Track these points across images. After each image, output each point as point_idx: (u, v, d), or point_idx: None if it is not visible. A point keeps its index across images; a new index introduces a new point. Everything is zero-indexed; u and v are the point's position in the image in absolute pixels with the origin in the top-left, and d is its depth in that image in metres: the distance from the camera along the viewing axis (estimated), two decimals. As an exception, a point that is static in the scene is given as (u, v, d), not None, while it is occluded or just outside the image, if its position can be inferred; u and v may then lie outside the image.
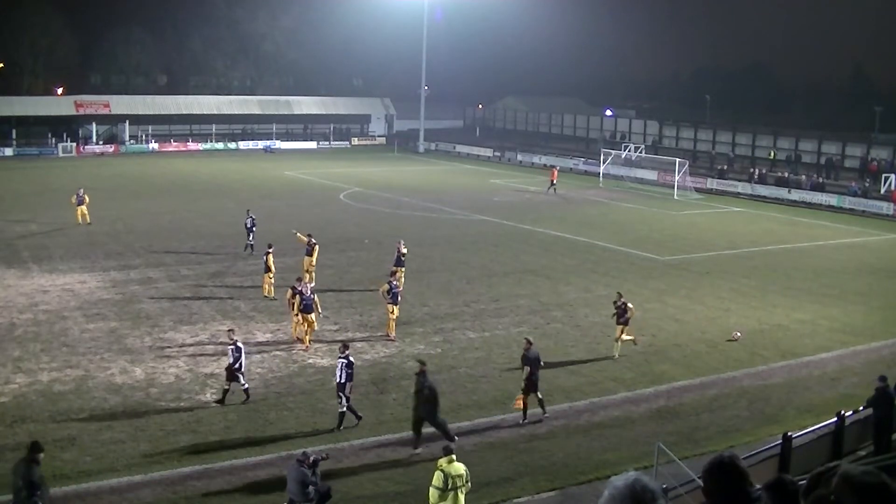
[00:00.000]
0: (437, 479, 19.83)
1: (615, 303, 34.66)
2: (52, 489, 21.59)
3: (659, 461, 21.46)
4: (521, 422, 27.22)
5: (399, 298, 35.79)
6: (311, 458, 20.59)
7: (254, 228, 49.11)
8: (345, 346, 27.53)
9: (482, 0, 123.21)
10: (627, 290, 43.65)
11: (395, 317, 35.44)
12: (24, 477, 18.64)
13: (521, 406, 27.33)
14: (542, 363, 28.06)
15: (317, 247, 43.66)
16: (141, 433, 25.49)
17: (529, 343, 28.19)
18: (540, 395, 27.70)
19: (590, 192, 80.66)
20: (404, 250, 42.39)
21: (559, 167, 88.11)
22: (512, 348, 34.07)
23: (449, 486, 19.75)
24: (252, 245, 49.03)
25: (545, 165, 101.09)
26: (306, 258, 43.38)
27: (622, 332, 33.84)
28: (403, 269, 41.77)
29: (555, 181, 79.88)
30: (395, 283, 35.84)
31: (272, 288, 40.30)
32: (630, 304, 34.20)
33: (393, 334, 35.18)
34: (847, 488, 3.87)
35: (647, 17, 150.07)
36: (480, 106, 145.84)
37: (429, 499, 19.98)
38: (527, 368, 27.37)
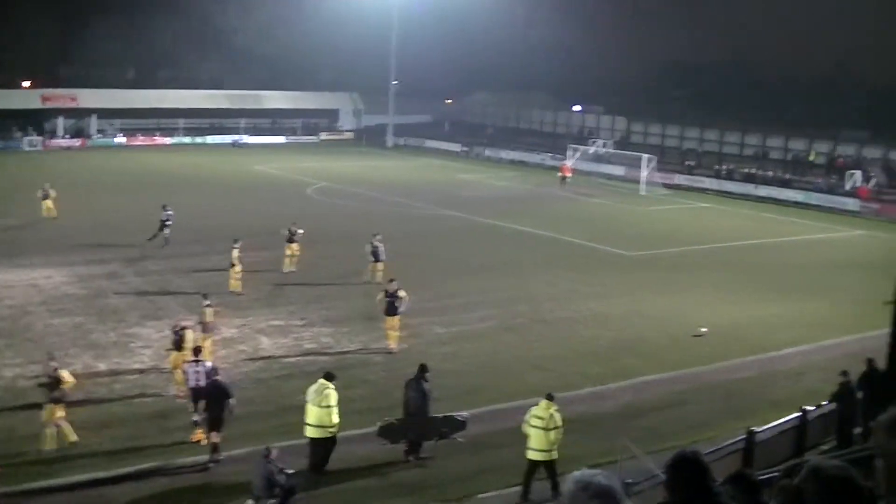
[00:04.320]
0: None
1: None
2: (17, 485, 21.54)
3: (624, 456, 21.53)
4: (207, 464, 23.43)
5: (398, 310, 33.23)
6: (275, 453, 20.57)
7: (168, 223, 49.26)
8: None
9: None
10: (596, 283, 43.96)
11: (394, 331, 33.30)
12: (419, 389, 24.30)
13: (206, 441, 23.88)
14: (231, 395, 23.83)
15: (300, 233, 44.62)
16: (105, 429, 25.35)
17: (215, 372, 24.69)
18: (218, 439, 23.56)
19: (557, 187, 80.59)
20: (377, 244, 42.70)
21: (571, 163, 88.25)
22: (480, 342, 34.19)
23: (529, 422, 22.21)
24: (167, 238, 49.06)
25: (512, 161, 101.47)
26: (292, 245, 44.49)
27: (54, 412, 24.16)
28: (381, 264, 42.13)
29: (567, 176, 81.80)
30: (393, 292, 33.34)
31: (239, 283, 40.14)
32: (65, 373, 24.86)
33: (392, 345, 33.24)
34: (813, 479, 3.90)
35: (615, 12, 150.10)
36: (450, 101, 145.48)
37: None
38: (202, 402, 23.67)
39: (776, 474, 5.05)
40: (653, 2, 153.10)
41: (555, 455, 22.00)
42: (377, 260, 42.50)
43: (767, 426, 23.07)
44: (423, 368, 24.83)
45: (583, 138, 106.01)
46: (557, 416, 22.15)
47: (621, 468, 20.55)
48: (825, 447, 24.08)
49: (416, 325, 35.98)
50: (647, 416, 28.20)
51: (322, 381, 23.53)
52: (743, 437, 21.80)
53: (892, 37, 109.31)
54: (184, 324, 29.18)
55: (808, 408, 24.32)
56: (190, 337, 28.28)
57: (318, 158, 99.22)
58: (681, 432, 26.43)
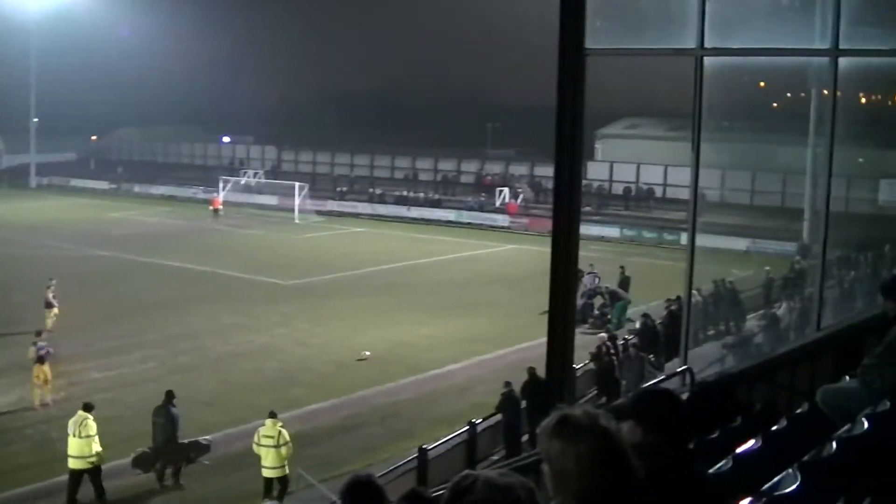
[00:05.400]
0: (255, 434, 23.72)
1: None
2: None
3: (299, 486, 21.36)
4: None
5: (45, 359, 31.27)
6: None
7: None
8: None
9: (91, 28, 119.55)
10: (256, 315, 43.61)
11: (47, 381, 31.34)
12: (167, 415, 25.03)
13: None
14: None
15: None
16: None
17: None
18: None
19: (210, 220, 79.65)
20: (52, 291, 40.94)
21: (222, 196, 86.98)
22: (141, 386, 33.09)
23: (259, 442, 23.36)
24: None
25: (163, 196, 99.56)
26: None
27: None
28: (55, 311, 40.33)
29: (218, 209, 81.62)
30: (41, 344, 31.57)
31: None
32: None
33: (47, 398, 31.25)
34: (492, 491, 3.88)
35: (264, 42, 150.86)
36: (95, 137, 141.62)
37: None
38: None
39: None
40: (301, 30, 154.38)
41: (287, 470, 23.16)
42: (49, 307, 40.56)
43: (438, 442, 23.42)
44: (169, 395, 25.70)
45: (234, 169, 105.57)
46: (285, 433, 23.38)
47: (297, 499, 20.38)
48: (495, 457, 24.67)
49: (73, 373, 34.45)
50: (319, 444, 28.04)
51: (81, 412, 24.03)
52: (415, 455, 22.02)
53: (521, 62, 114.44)
54: None
55: (476, 421, 24.87)
56: None
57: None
58: (353, 457, 26.50)
